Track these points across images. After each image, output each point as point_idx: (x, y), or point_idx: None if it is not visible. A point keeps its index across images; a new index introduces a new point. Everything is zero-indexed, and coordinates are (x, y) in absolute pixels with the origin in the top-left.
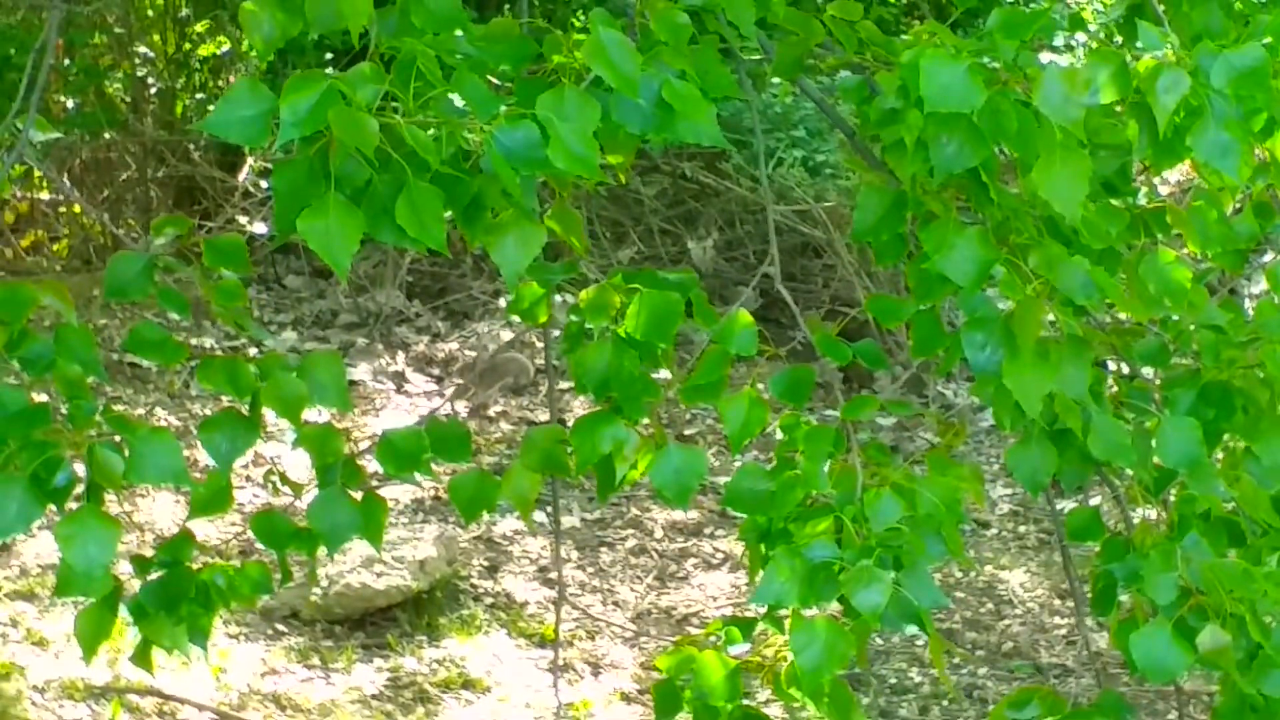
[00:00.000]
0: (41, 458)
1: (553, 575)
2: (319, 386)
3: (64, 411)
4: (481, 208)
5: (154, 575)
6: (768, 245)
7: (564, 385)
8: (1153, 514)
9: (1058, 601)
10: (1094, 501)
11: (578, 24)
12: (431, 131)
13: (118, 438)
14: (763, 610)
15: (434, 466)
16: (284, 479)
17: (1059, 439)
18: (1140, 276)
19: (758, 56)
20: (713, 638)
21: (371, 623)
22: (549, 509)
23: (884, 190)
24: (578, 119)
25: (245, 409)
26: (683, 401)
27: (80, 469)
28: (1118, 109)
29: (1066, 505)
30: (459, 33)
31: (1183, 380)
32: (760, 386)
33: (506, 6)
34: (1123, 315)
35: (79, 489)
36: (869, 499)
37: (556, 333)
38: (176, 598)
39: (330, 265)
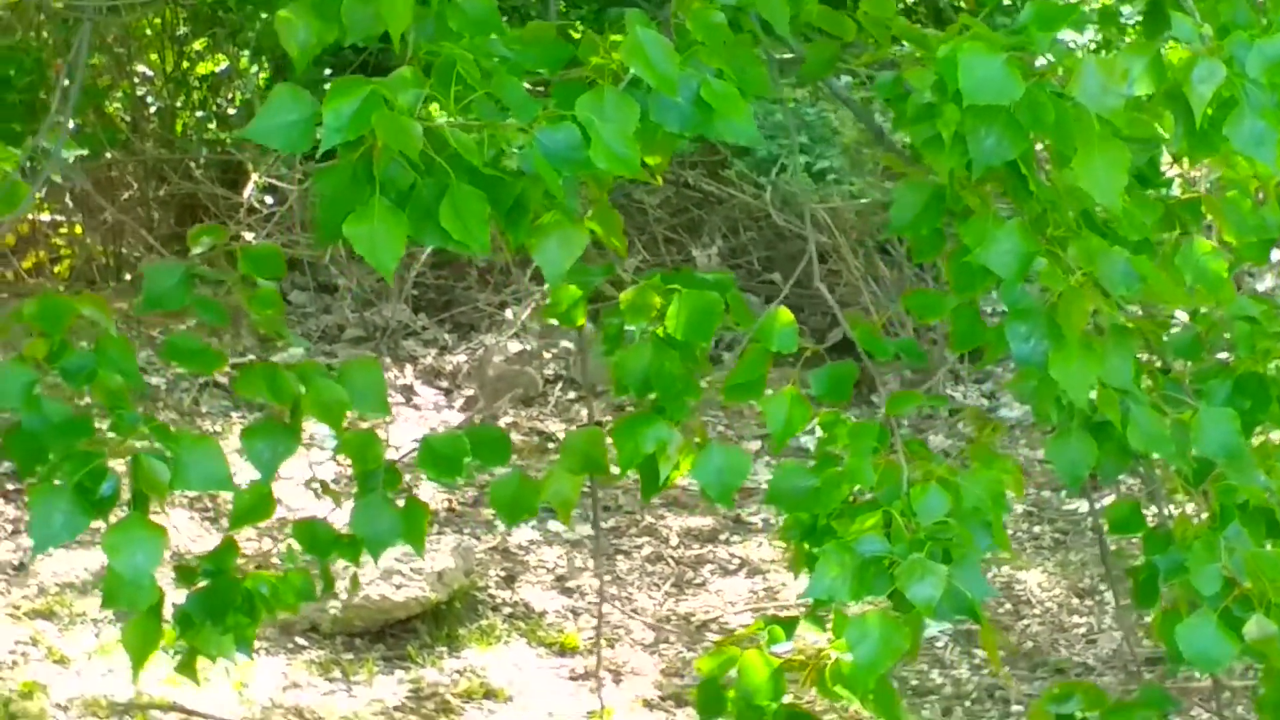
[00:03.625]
0: (86, 468)
1: (570, 584)
2: (359, 393)
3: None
4: (524, 210)
5: (199, 585)
6: (772, 251)
7: (570, 395)
8: (1188, 507)
9: (1075, 601)
10: (1108, 500)
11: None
12: (473, 134)
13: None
14: (792, 609)
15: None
16: (325, 487)
17: (1097, 431)
18: (1177, 267)
19: (788, 56)
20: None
21: (391, 634)
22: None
23: (921, 185)
24: (617, 119)
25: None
26: (724, 400)
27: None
28: (1144, 101)
29: (1079, 505)
30: (494, 37)
31: (1217, 371)
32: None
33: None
34: (1141, 309)
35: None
36: (915, 494)
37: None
38: (223, 607)
39: (376, 268)
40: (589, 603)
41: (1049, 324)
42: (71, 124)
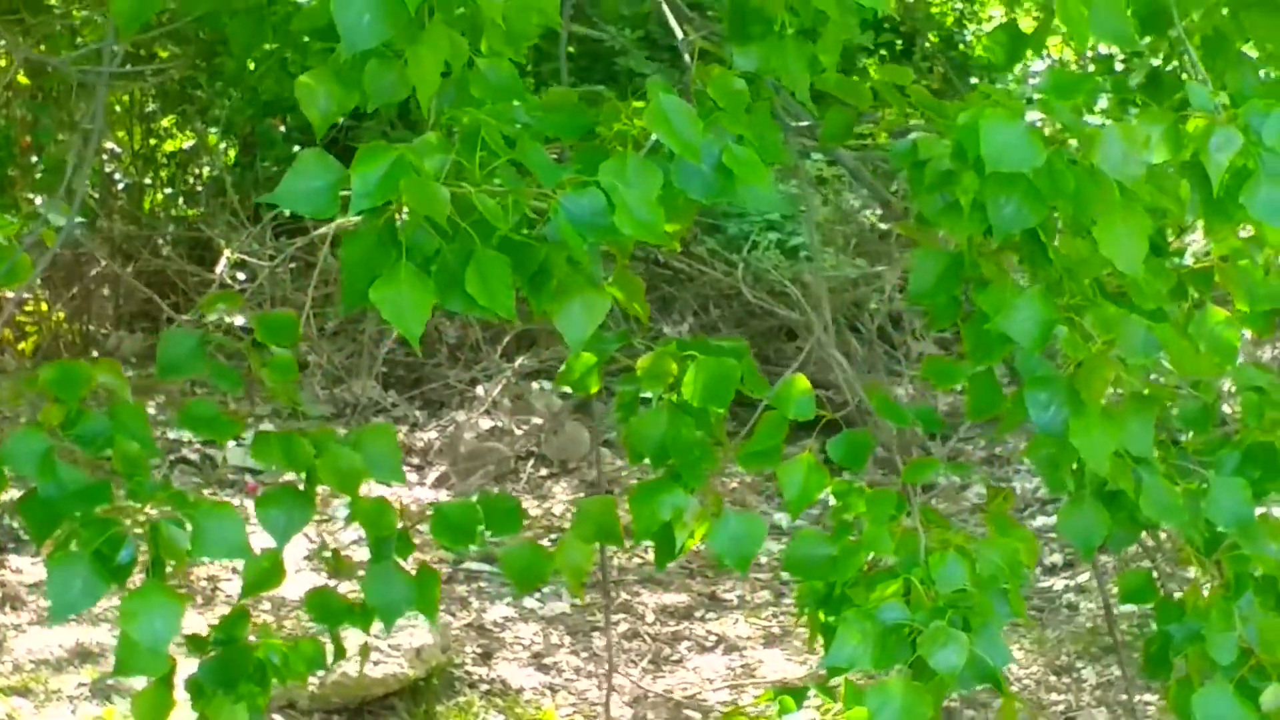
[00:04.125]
0: (104, 535)
1: (547, 661)
2: (373, 460)
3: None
4: (548, 275)
5: (210, 654)
6: (742, 328)
7: (543, 471)
8: (1191, 574)
9: (1053, 678)
10: (1083, 578)
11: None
12: (498, 200)
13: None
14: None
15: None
16: (336, 556)
17: (1108, 501)
18: (1191, 336)
19: (805, 123)
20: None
21: (369, 711)
22: (537, 595)
23: (940, 253)
24: (641, 185)
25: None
26: (741, 467)
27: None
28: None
29: (1053, 582)
30: (516, 103)
31: (1223, 442)
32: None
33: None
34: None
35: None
36: (934, 562)
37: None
38: (235, 676)
39: (403, 334)
40: (565, 679)
41: (1069, 392)
42: (39, 200)
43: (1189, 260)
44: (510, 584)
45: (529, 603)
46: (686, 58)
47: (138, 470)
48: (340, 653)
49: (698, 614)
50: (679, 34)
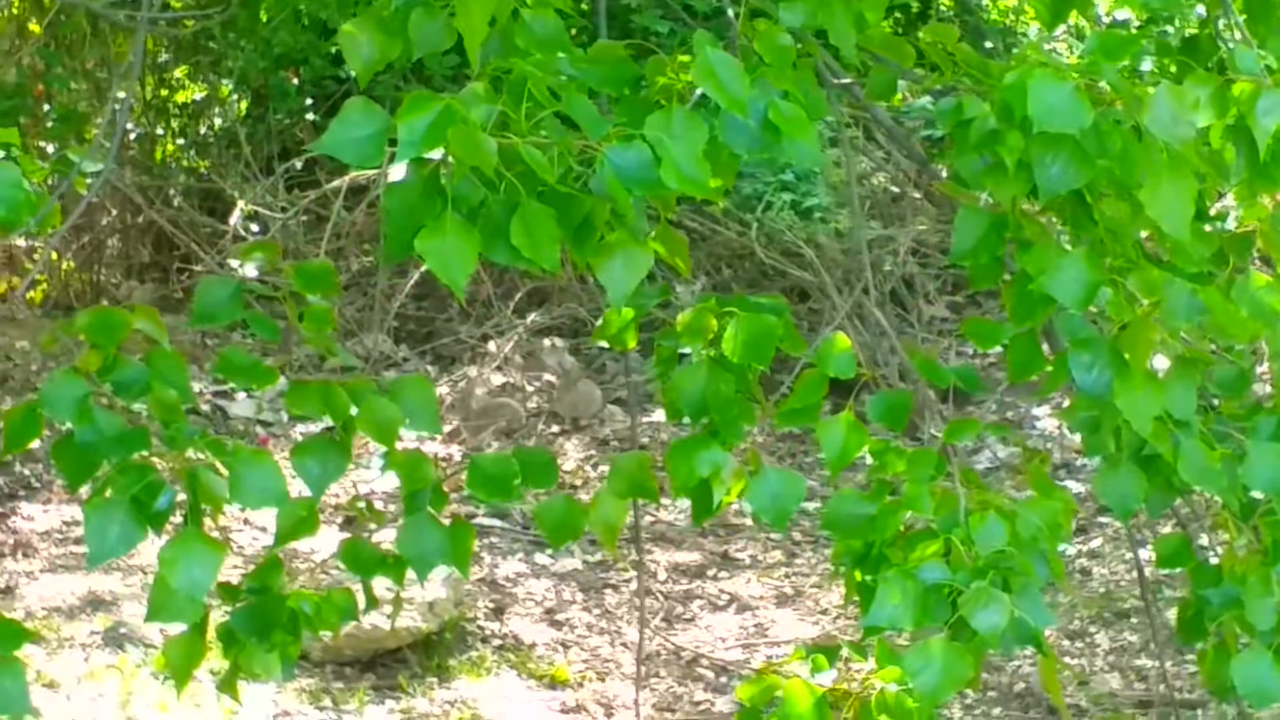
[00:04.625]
0: (143, 482)
1: (559, 617)
2: (411, 410)
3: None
4: (592, 228)
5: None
6: (755, 289)
7: (554, 429)
8: (1221, 541)
9: (1066, 642)
10: (1095, 543)
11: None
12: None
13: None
14: (782, 646)
15: None
16: (370, 508)
17: (1145, 465)
18: (1233, 300)
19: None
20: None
21: (381, 664)
22: (549, 551)
23: (982, 213)
24: (687, 139)
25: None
26: (777, 425)
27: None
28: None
29: (1064, 548)
30: (562, 55)
31: (1258, 408)
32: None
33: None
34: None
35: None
36: (974, 522)
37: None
38: (269, 625)
39: (447, 284)
40: (578, 635)
41: (1113, 354)
42: (50, 148)
43: (1230, 225)
44: (542, 537)
45: (541, 559)
46: (731, 13)
47: (175, 417)
48: (372, 603)
49: (710, 573)
50: None
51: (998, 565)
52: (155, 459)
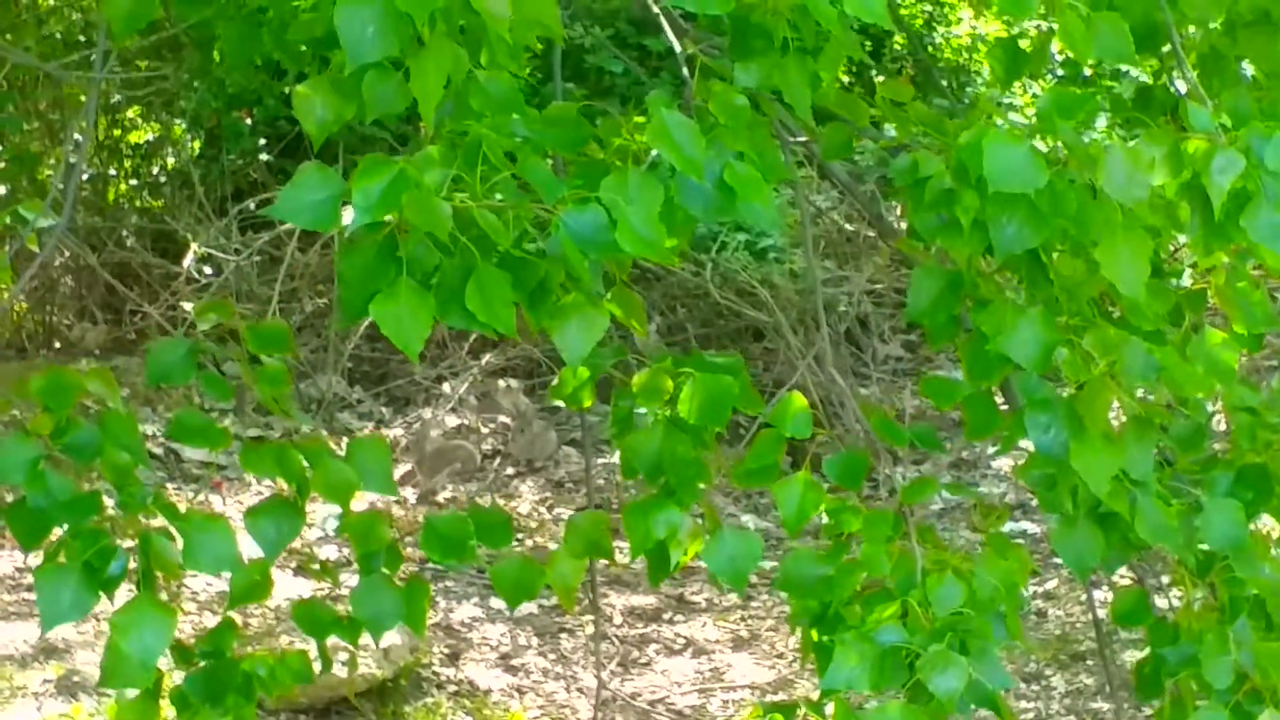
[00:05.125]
0: (95, 547)
1: (515, 662)
2: (366, 472)
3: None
4: (547, 291)
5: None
6: (708, 329)
7: (509, 470)
8: (1174, 596)
9: (1023, 685)
10: (1050, 584)
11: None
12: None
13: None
14: (738, 690)
15: None
16: (325, 568)
17: (1101, 522)
18: (1189, 357)
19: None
20: None
21: (336, 711)
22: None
23: (939, 271)
24: (642, 201)
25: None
26: (735, 485)
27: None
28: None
29: None
30: (516, 116)
31: (1216, 462)
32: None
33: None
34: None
35: None
36: (931, 584)
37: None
38: (222, 689)
39: (402, 349)
40: (534, 681)
41: (1069, 415)
42: (1, 190)
43: (1186, 281)
44: (498, 594)
45: (496, 602)
46: (685, 72)
47: (128, 481)
48: (327, 665)
49: (665, 616)
50: (677, 48)
51: (955, 627)
52: (108, 522)
